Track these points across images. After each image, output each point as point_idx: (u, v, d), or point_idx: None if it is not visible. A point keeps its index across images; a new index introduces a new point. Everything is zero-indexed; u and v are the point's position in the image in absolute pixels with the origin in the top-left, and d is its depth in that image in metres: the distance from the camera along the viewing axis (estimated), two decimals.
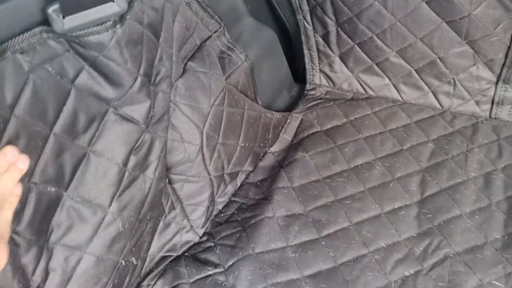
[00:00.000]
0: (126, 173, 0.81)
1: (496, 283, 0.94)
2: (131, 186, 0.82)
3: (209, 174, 1.06)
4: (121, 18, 0.73)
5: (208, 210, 1.10)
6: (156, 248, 1.03)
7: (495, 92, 1.25)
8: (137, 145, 0.82)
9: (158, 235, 1.03)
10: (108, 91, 0.76)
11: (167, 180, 1.00)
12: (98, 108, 0.75)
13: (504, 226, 1.03)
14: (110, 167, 0.78)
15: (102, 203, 0.78)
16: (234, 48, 1.11)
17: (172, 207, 1.04)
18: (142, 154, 0.84)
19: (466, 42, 1.18)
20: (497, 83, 1.23)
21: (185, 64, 0.98)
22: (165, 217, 1.03)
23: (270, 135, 1.25)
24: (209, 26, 1.05)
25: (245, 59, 1.13)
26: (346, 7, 1.22)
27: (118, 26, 0.72)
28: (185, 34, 0.96)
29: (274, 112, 1.26)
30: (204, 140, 1.00)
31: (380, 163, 1.19)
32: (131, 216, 0.83)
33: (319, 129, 1.31)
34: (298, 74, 1.50)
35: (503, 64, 1.19)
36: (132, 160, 0.81)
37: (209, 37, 1.05)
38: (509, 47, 1.15)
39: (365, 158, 1.21)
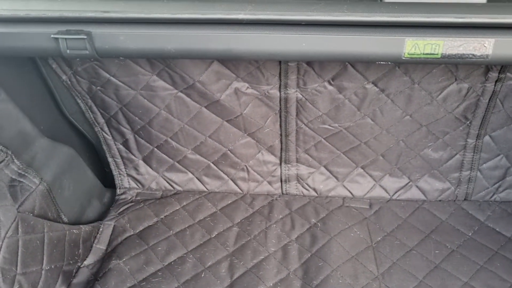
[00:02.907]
0: None
1: None
2: None
3: None
4: None
5: None
6: None
7: (281, 172, 1.44)
8: None
9: None
10: None
11: None
12: None
13: None
14: None
15: None
16: (26, 174, 1.12)
17: None
18: None
19: (247, 135, 1.36)
20: (280, 164, 1.43)
21: None
22: None
23: (80, 250, 1.25)
24: None
25: (40, 182, 1.14)
26: (137, 117, 1.32)
27: None
28: None
29: (81, 226, 1.27)
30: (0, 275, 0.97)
31: (191, 255, 1.27)
32: None
33: (131, 233, 1.35)
34: (110, 179, 1.54)
35: (281, 149, 1.39)
36: None
37: None
38: (281, 135, 1.36)
39: (177, 253, 1.28)
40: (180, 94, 1.25)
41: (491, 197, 1.42)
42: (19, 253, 1.02)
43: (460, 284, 1.18)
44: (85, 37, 0.79)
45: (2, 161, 1.06)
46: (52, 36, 0.80)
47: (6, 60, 1.11)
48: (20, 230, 1.03)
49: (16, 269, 1.01)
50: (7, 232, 0.99)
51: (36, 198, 1.12)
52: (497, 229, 1.33)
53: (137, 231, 1.36)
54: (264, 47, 0.79)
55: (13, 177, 1.09)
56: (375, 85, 1.19)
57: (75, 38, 0.80)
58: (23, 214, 1.05)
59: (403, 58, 0.78)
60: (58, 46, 0.81)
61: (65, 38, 0.80)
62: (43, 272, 1.10)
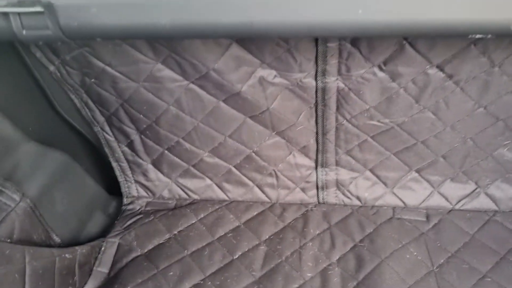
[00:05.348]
0: None
1: None
2: None
3: None
4: None
5: None
6: None
7: (316, 177, 1.19)
8: None
9: None
10: None
11: None
12: None
13: None
14: None
15: None
16: (4, 189, 0.91)
17: None
18: None
19: (275, 134, 1.12)
20: (316, 168, 1.18)
21: None
22: None
23: (76, 277, 1.03)
24: None
25: (21, 199, 0.93)
26: (141, 115, 1.09)
27: None
28: None
29: (76, 247, 1.05)
30: None
31: (210, 282, 1.04)
32: None
33: (139, 253, 1.13)
34: (117, 185, 1.32)
35: (317, 150, 1.14)
36: None
37: None
38: (317, 133, 1.10)
39: (192, 279, 1.05)
40: (191, 86, 1.01)
41: None
42: None
43: None
44: (42, 9, 0.56)
45: None
46: None
47: None
48: None
49: None
50: None
51: (16, 219, 0.91)
52: None
53: (145, 251, 1.13)
54: (300, 17, 0.54)
55: None
56: (441, 70, 0.92)
57: (31, 13, 0.56)
58: None
59: None
60: (10, 25, 0.58)
61: (18, 13, 0.57)
62: None
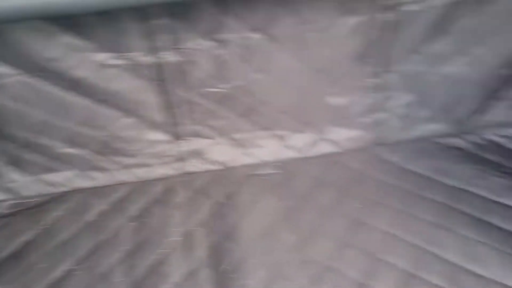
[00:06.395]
0: None
1: None
2: None
3: None
4: None
5: None
6: None
7: (175, 149, 1.26)
8: None
9: None
10: None
11: None
12: None
13: None
14: None
15: None
16: None
17: None
18: None
19: (125, 114, 1.15)
20: (173, 141, 1.24)
21: None
22: None
23: None
24: None
25: None
26: None
27: None
28: None
29: None
30: None
31: (80, 266, 1.06)
32: None
33: (3, 254, 1.11)
34: None
35: (170, 123, 1.20)
36: None
37: None
38: (166, 108, 1.16)
39: (63, 267, 1.06)
40: (29, 79, 1.01)
41: (405, 137, 1.33)
42: None
43: (381, 235, 1.08)
44: None
45: None
46: None
47: None
48: None
49: None
50: None
51: None
52: (414, 170, 1.25)
53: (11, 250, 1.12)
54: None
55: None
56: (263, 33, 1.02)
57: None
58: None
59: None
60: None
61: None
62: None
